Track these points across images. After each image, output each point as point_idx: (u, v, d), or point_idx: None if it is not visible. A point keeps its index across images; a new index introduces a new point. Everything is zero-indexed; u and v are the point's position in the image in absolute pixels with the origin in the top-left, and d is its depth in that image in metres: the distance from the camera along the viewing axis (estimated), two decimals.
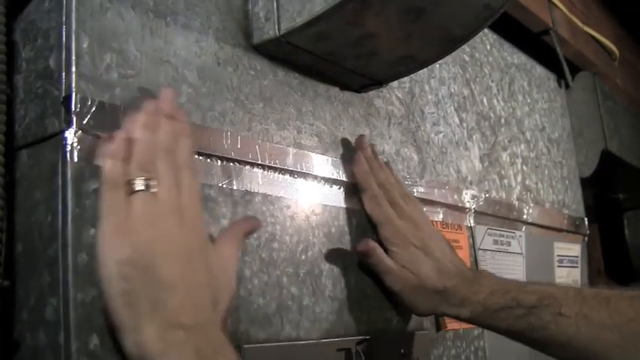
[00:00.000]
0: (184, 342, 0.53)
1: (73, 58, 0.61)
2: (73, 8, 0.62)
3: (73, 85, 0.60)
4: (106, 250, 0.55)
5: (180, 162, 0.61)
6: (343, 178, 0.88)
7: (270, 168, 0.78)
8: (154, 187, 0.57)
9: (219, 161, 0.72)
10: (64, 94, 0.60)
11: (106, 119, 0.61)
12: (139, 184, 0.57)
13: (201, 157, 0.70)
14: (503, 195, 1.31)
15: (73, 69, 0.60)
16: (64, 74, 0.61)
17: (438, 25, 0.82)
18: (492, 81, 1.37)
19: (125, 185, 0.57)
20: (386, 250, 0.86)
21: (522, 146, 1.44)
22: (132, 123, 0.61)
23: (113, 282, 0.53)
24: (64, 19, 0.62)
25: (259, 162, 0.77)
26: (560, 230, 1.52)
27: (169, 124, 0.62)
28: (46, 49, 0.63)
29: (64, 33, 0.62)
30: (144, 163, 0.58)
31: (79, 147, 0.59)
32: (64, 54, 0.61)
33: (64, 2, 0.62)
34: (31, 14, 0.67)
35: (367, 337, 0.84)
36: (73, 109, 0.59)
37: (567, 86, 1.75)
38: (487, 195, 1.23)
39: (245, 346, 0.69)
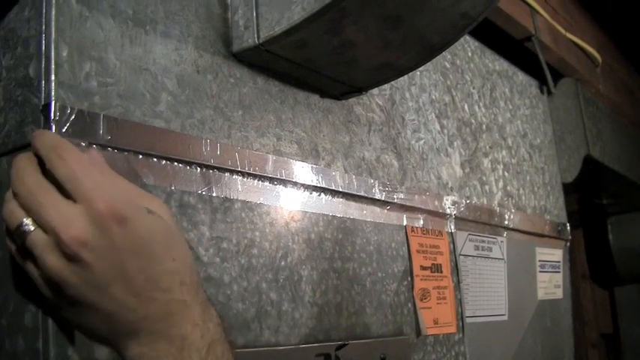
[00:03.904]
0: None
1: (53, 66, 0.62)
2: (53, 17, 0.63)
3: (53, 93, 0.61)
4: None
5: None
6: (323, 184, 0.89)
7: (249, 175, 0.79)
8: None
9: (198, 168, 0.73)
10: (43, 102, 0.61)
11: (85, 127, 0.62)
12: None
13: (180, 165, 0.71)
14: (485, 201, 1.32)
15: (53, 77, 0.61)
16: (43, 82, 0.61)
17: (415, 33, 0.83)
18: (474, 87, 1.38)
19: None
20: None
21: (504, 152, 1.45)
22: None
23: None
24: (43, 27, 0.63)
25: (239, 169, 0.77)
26: (542, 236, 1.54)
27: None
28: (26, 57, 0.64)
29: (43, 42, 0.62)
30: None
31: None
32: (43, 62, 0.62)
33: (44, 11, 0.63)
34: (10, 22, 0.68)
35: (346, 343, 0.85)
36: (53, 117, 0.60)
37: (549, 92, 1.76)
38: (468, 201, 1.24)
39: None
